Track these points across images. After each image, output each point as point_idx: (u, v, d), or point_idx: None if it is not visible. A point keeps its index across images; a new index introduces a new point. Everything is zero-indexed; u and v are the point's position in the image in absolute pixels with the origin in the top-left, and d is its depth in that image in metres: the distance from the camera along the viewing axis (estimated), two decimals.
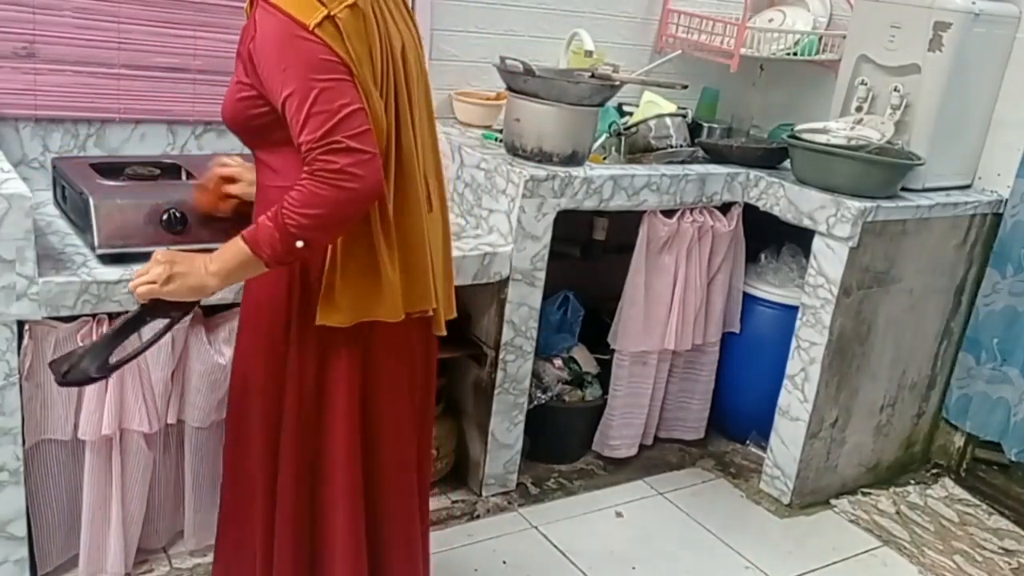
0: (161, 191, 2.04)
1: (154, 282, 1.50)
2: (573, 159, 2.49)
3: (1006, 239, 2.89)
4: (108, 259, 1.91)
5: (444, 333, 1.76)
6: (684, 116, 2.90)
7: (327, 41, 1.44)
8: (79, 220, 2.01)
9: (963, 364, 3.03)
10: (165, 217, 1.96)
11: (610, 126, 2.79)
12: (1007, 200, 2.89)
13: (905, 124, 2.79)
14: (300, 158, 1.46)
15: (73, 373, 1.55)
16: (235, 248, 1.50)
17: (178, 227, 1.97)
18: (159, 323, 1.57)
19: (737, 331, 2.97)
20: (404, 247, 1.61)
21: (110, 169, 2.12)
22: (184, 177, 2.14)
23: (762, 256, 3.00)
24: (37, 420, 1.90)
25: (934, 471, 3.16)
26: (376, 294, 1.58)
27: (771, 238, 2.99)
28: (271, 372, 1.65)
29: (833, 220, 2.59)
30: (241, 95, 1.55)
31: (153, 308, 1.53)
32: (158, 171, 2.16)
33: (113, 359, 1.55)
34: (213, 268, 1.51)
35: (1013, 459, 2.93)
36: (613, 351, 2.79)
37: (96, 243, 1.90)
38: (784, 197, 2.72)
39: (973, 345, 3.00)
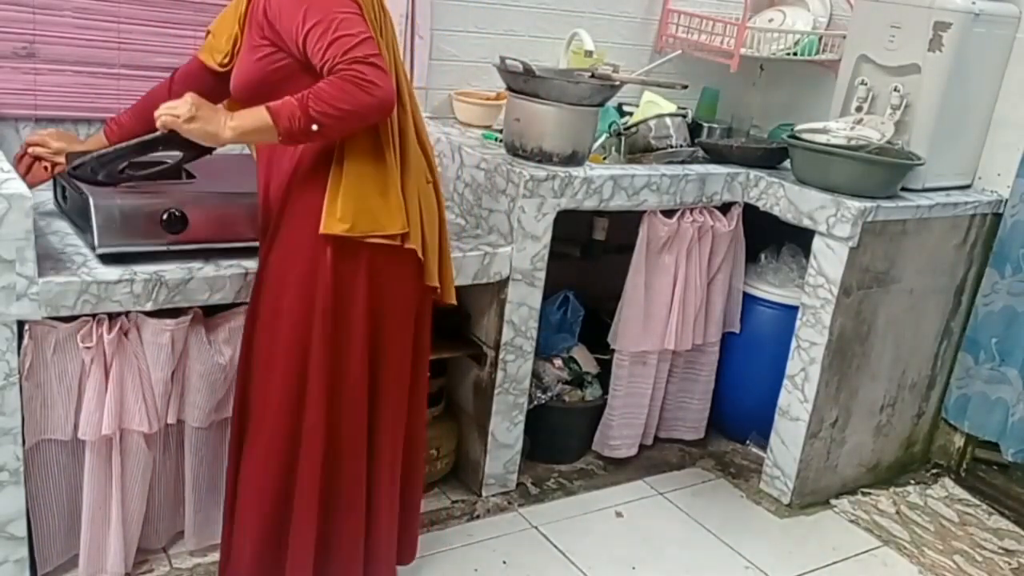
0: (161, 191, 2.04)
1: (178, 116, 1.70)
2: (573, 159, 2.49)
3: (1005, 239, 2.89)
4: (108, 259, 1.91)
5: (454, 302, 2.04)
6: (684, 116, 2.90)
7: None
8: (79, 220, 2.01)
9: (962, 364, 3.04)
10: (165, 217, 1.95)
11: (610, 126, 2.79)
12: (1007, 200, 2.89)
13: (905, 124, 2.79)
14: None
15: (82, 169, 1.82)
16: (257, 113, 1.68)
17: (178, 227, 1.97)
18: (173, 155, 1.84)
19: (737, 331, 2.97)
20: (406, 185, 1.84)
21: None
22: (184, 176, 2.13)
23: (762, 256, 3.00)
24: (37, 420, 1.90)
25: (934, 471, 3.16)
26: (383, 210, 1.79)
27: (771, 238, 2.99)
28: (303, 305, 1.84)
29: (833, 220, 2.59)
30: (259, 55, 1.77)
31: (169, 139, 1.75)
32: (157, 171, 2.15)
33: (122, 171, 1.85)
34: (232, 124, 1.71)
35: (1010, 459, 2.92)
36: (613, 351, 2.79)
37: (96, 243, 1.90)
38: (784, 197, 2.72)
39: (972, 345, 3.00)
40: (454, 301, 2.04)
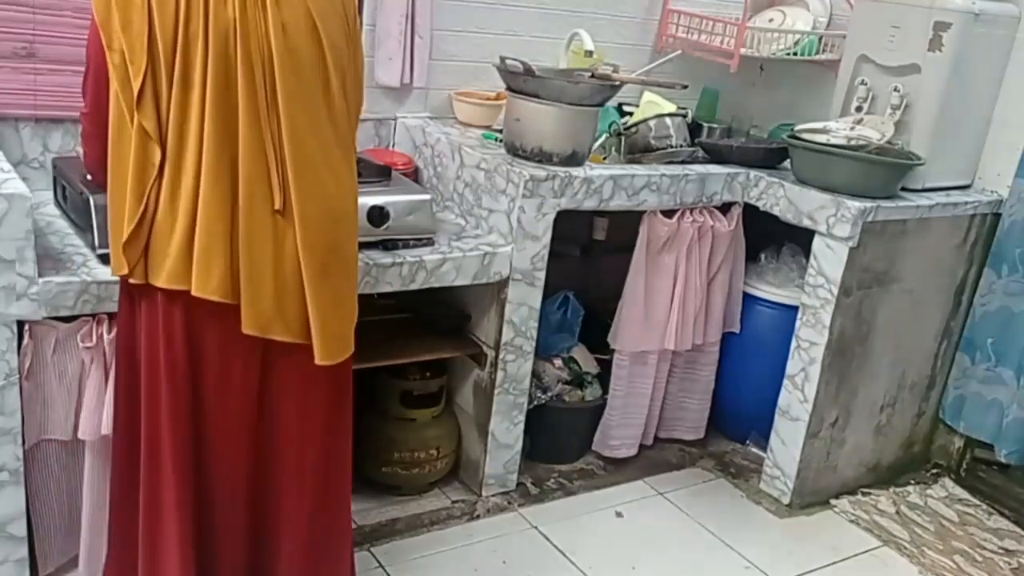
0: None
1: None
2: (573, 159, 2.49)
3: (1003, 239, 2.89)
4: (108, 259, 1.91)
5: (327, 360, 1.63)
6: (684, 116, 2.90)
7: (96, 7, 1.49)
8: (79, 220, 2.01)
9: (959, 365, 3.03)
10: None
11: (610, 126, 2.79)
12: (1006, 200, 2.89)
13: (905, 124, 2.79)
14: None
15: None
16: None
17: None
18: None
19: (737, 331, 2.97)
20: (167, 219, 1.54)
21: None
22: None
23: (762, 256, 3.00)
24: (37, 420, 1.90)
25: (934, 471, 3.16)
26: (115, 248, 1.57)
27: (771, 238, 2.99)
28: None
29: (833, 220, 2.59)
30: None
31: None
32: None
33: None
34: None
35: (1004, 460, 2.92)
36: (613, 351, 2.79)
37: (96, 243, 1.90)
38: (784, 197, 2.72)
39: (968, 345, 3.00)
40: (329, 360, 1.63)
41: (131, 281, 1.59)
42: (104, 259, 1.90)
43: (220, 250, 1.54)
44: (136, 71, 1.49)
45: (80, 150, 1.75)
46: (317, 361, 1.62)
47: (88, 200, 1.92)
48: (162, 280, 1.56)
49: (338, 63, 1.60)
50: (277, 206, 1.55)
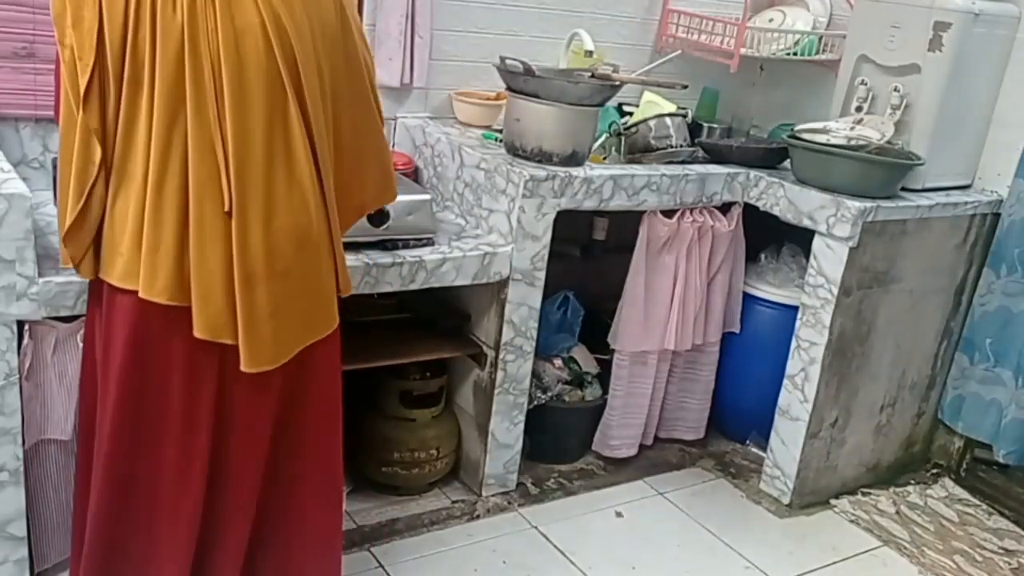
0: None
1: None
2: (573, 159, 2.49)
3: (1002, 239, 2.89)
4: None
5: (252, 368, 1.57)
6: (684, 116, 2.90)
7: None
8: None
9: (958, 365, 3.03)
10: None
11: (610, 126, 2.79)
12: (1006, 200, 2.89)
13: (905, 124, 2.79)
14: None
15: None
16: None
17: None
18: None
19: (737, 331, 2.97)
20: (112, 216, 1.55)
21: None
22: None
23: (762, 256, 3.00)
24: (37, 420, 1.90)
25: (934, 471, 3.16)
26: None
27: (771, 238, 2.99)
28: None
29: (833, 220, 2.59)
30: None
31: None
32: None
33: None
34: None
35: (1002, 460, 2.91)
36: (613, 351, 2.79)
37: None
38: (784, 197, 2.72)
39: (968, 346, 3.00)
40: (253, 367, 1.57)
41: (80, 275, 1.60)
42: None
43: (168, 251, 1.52)
44: (84, 68, 1.48)
45: None
46: (241, 367, 1.56)
47: None
48: (114, 277, 1.56)
49: (311, 71, 1.56)
50: (227, 208, 1.52)
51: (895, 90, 2.78)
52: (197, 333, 1.54)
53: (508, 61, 2.41)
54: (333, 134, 1.65)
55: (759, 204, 2.80)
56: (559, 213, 2.46)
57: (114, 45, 1.48)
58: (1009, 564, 2.71)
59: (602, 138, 2.76)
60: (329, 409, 1.79)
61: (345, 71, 1.65)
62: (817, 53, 3.07)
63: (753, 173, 2.80)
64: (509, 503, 2.65)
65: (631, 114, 2.93)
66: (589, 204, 2.51)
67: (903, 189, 2.74)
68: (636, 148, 2.77)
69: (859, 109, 2.87)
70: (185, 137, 1.51)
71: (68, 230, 1.55)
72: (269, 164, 1.55)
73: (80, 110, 1.49)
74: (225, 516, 1.72)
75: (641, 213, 2.64)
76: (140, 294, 1.53)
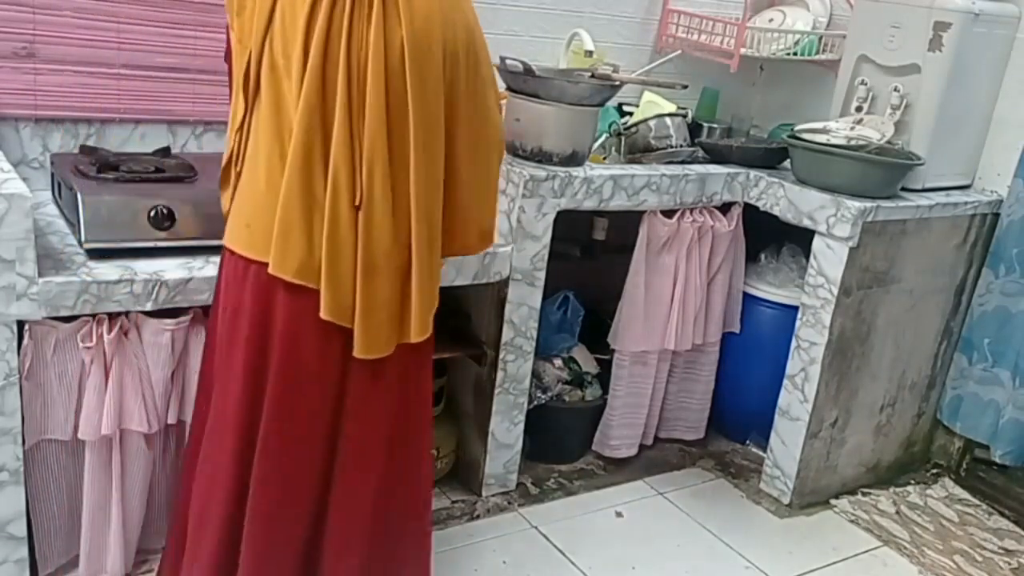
0: (150, 188, 2.05)
1: None
2: (573, 159, 2.49)
3: (1001, 239, 2.89)
4: (95, 254, 1.93)
5: (365, 355, 1.65)
6: (684, 116, 2.90)
7: None
8: (71, 216, 2.02)
9: (957, 365, 3.03)
10: (152, 213, 1.97)
11: (610, 126, 2.79)
12: (1005, 200, 2.89)
13: (905, 124, 2.79)
14: None
15: None
16: None
17: (166, 223, 1.98)
18: None
19: (737, 331, 2.97)
20: (252, 193, 1.64)
21: (108, 165, 2.12)
22: (187, 174, 2.15)
23: (762, 256, 3.00)
24: (37, 420, 1.90)
25: (934, 471, 3.16)
26: (234, 227, 1.67)
27: (771, 238, 2.99)
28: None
29: (833, 220, 2.59)
30: None
31: None
32: (153, 168, 2.16)
33: None
34: None
35: (999, 460, 2.91)
36: (613, 351, 2.79)
37: (83, 238, 1.92)
38: (784, 197, 2.72)
39: (966, 346, 3.00)
40: (367, 353, 1.65)
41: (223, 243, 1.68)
42: (91, 253, 1.93)
43: (301, 233, 1.59)
44: (242, 51, 1.62)
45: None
46: (355, 353, 1.64)
47: (76, 195, 1.93)
48: (240, 247, 1.64)
49: (434, 91, 1.65)
50: (357, 202, 1.61)
51: (895, 90, 2.78)
52: (324, 314, 1.61)
53: (508, 61, 2.41)
54: (446, 157, 1.72)
55: (759, 204, 2.80)
56: (559, 213, 2.46)
57: (272, 32, 1.58)
58: (1009, 564, 2.71)
59: (602, 138, 2.76)
60: (426, 414, 1.87)
61: (466, 96, 1.72)
62: (817, 53, 3.07)
63: (753, 173, 2.80)
64: (509, 503, 2.65)
65: (631, 114, 2.93)
66: (589, 204, 2.51)
67: (903, 189, 2.74)
68: (636, 148, 2.77)
69: (859, 109, 2.87)
70: (326, 131, 1.58)
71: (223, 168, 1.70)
72: (391, 166, 1.63)
73: (239, 91, 1.62)
74: (337, 505, 1.75)
75: (641, 213, 2.64)
76: (270, 269, 1.59)
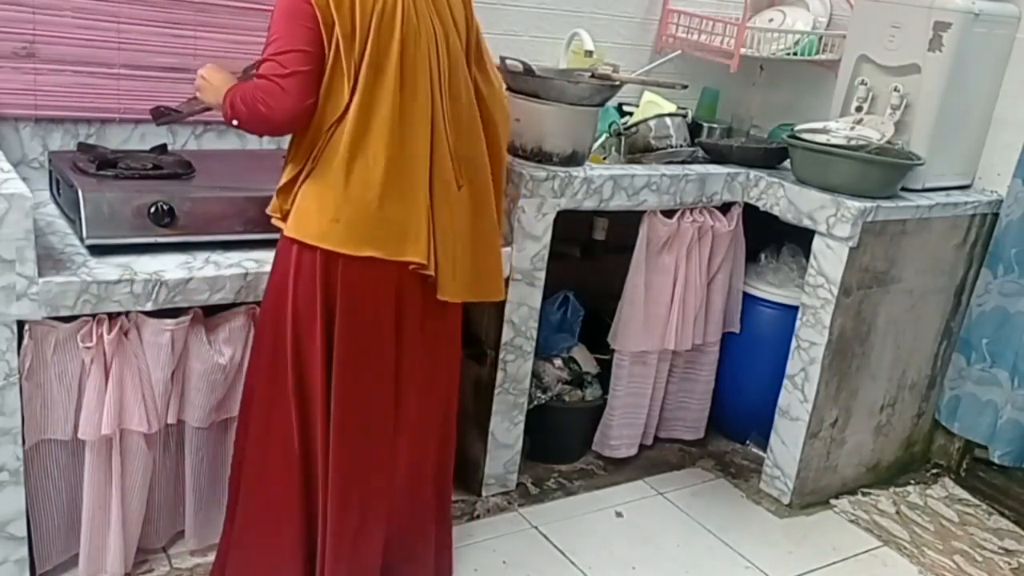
0: (150, 184, 2.05)
1: (197, 86, 1.96)
2: (573, 159, 2.49)
3: (1000, 239, 2.88)
4: (96, 250, 1.93)
5: (453, 299, 1.93)
6: (684, 116, 2.90)
7: None
8: (71, 213, 2.03)
9: (955, 365, 3.03)
10: (153, 209, 1.97)
11: (610, 126, 2.79)
12: (1004, 200, 2.89)
13: (905, 124, 2.79)
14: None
15: (163, 117, 2.15)
16: (224, 91, 1.84)
17: (165, 220, 1.99)
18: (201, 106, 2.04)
19: (737, 331, 2.97)
20: (362, 184, 1.77)
21: (106, 162, 2.12)
22: (187, 171, 2.15)
23: (762, 256, 3.00)
24: (37, 420, 1.90)
25: (934, 471, 3.16)
26: (314, 215, 1.78)
27: (771, 238, 2.99)
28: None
29: (833, 220, 2.59)
30: None
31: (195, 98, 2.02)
32: (151, 165, 2.16)
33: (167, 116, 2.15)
34: (211, 97, 1.92)
35: (997, 460, 2.90)
36: (613, 351, 2.79)
37: (84, 234, 1.92)
38: (784, 197, 2.72)
39: (965, 346, 2.99)
40: (494, 296, 2.07)
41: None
42: (92, 250, 1.94)
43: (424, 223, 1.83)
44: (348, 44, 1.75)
45: None
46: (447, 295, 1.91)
47: (77, 192, 1.94)
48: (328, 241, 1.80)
49: (462, 79, 1.92)
50: (459, 185, 1.90)
51: (895, 90, 2.78)
52: (441, 293, 1.89)
53: (508, 61, 2.41)
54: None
55: (759, 204, 2.80)
56: (559, 213, 2.46)
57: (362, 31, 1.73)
58: (1009, 564, 2.71)
59: (602, 138, 2.76)
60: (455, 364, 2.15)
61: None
62: (817, 53, 3.07)
63: (753, 173, 2.80)
64: (509, 503, 2.65)
65: (631, 114, 2.93)
66: (589, 204, 2.51)
67: (903, 189, 2.74)
68: (636, 148, 2.77)
69: (859, 109, 2.87)
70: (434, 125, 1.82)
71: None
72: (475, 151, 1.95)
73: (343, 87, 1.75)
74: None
75: (641, 213, 2.64)
76: (408, 258, 1.81)
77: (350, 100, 1.73)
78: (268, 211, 1.89)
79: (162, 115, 2.14)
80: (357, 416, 1.87)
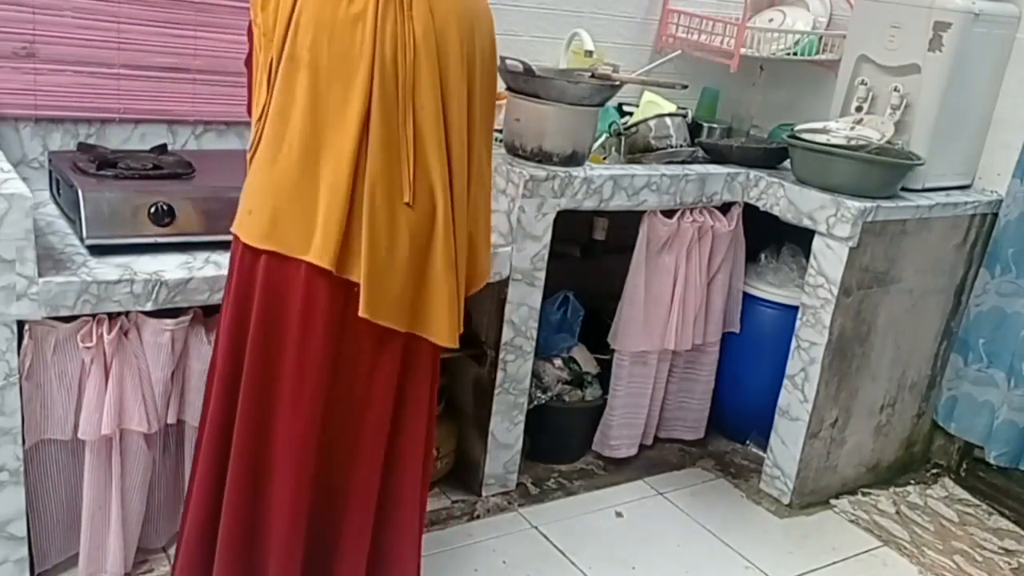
0: (150, 184, 2.05)
1: None
2: (573, 159, 2.49)
3: (998, 239, 2.88)
4: (96, 250, 1.94)
5: (446, 343, 1.76)
6: (684, 116, 2.90)
7: None
8: (71, 212, 2.03)
9: (953, 365, 3.02)
10: (153, 209, 1.97)
11: (610, 126, 2.79)
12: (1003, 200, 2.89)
13: (905, 124, 2.79)
14: None
15: None
16: None
17: (166, 219, 1.99)
18: None
19: (737, 331, 2.97)
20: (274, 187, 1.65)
21: (106, 162, 2.12)
22: (186, 171, 2.15)
23: (762, 256, 3.00)
24: (37, 420, 1.90)
25: (934, 471, 3.16)
26: (241, 213, 1.69)
27: (771, 238, 2.99)
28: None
29: (833, 220, 2.59)
30: None
31: None
32: (151, 165, 2.16)
33: None
34: None
35: (993, 461, 2.90)
36: (613, 351, 2.79)
37: (84, 234, 1.92)
38: (784, 197, 2.72)
39: (962, 346, 2.99)
40: (446, 342, 1.77)
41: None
42: (92, 250, 1.94)
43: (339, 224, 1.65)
44: (267, 45, 1.68)
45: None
46: (444, 343, 1.76)
47: (78, 192, 1.94)
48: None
49: (457, 92, 1.71)
50: (407, 200, 1.68)
51: (895, 90, 2.78)
52: (365, 311, 1.66)
53: (508, 61, 2.41)
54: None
55: (759, 204, 2.80)
56: (559, 213, 2.46)
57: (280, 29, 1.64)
58: (1009, 564, 2.71)
59: (602, 138, 2.76)
60: (428, 409, 1.88)
61: (480, 105, 1.77)
62: (817, 53, 3.07)
63: (753, 173, 2.80)
64: (509, 503, 2.65)
65: (631, 114, 2.93)
66: (589, 204, 2.51)
67: (903, 189, 2.74)
68: (636, 148, 2.77)
69: (859, 109, 2.87)
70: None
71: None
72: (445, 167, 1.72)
73: (262, 84, 1.67)
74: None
75: (641, 213, 2.64)
76: (311, 258, 1.63)
77: (268, 94, 1.68)
78: None
79: None
80: (261, 429, 1.73)
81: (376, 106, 1.63)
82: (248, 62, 1.76)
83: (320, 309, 1.66)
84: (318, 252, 1.62)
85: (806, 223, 2.67)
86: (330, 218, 1.62)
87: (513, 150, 2.49)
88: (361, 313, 1.64)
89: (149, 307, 1.90)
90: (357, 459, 1.78)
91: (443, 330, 1.76)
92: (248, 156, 1.71)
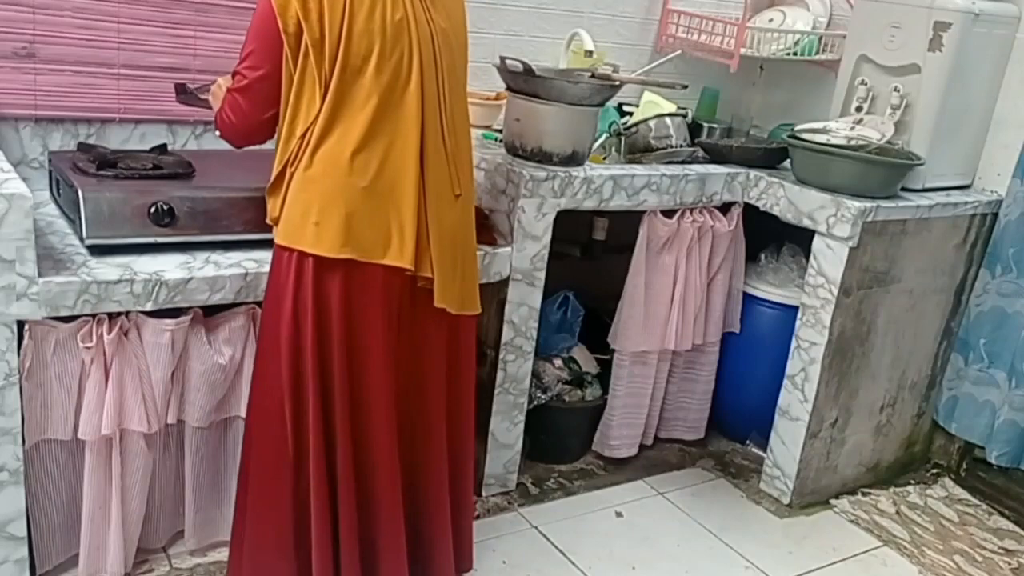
0: (150, 184, 2.05)
1: (212, 91, 2.00)
2: (573, 159, 2.49)
3: (998, 239, 2.88)
4: (96, 250, 1.94)
5: (450, 309, 1.87)
6: (684, 116, 2.90)
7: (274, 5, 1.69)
8: (71, 213, 2.03)
9: (953, 365, 3.02)
10: (153, 210, 1.97)
11: (610, 126, 2.79)
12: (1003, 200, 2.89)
13: (905, 124, 2.79)
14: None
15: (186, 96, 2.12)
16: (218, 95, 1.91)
17: (166, 219, 1.99)
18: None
19: (737, 331, 2.97)
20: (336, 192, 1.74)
21: (106, 162, 2.12)
22: (186, 171, 2.15)
23: (762, 256, 3.00)
24: (37, 420, 1.90)
25: (934, 471, 3.16)
26: (300, 226, 1.75)
27: (771, 238, 2.99)
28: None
29: (833, 220, 2.59)
30: None
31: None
32: (151, 165, 2.16)
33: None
34: (215, 104, 1.93)
35: (994, 461, 2.90)
36: (613, 351, 2.79)
37: (84, 234, 1.92)
38: (784, 197, 2.72)
39: (963, 346, 2.99)
40: (473, 310, 1.97)
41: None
42: (92, 250, 1.94)
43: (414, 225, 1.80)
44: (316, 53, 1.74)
45: None
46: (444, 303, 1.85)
47: (78, 192, 1.94)
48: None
49: (459, 79, 1.89)
50: (457, 192, 1.87)
51: (895, 90, 2.78)
52: (439, 301, 1.84)
53: (508, 61, 2.41)
54: None
55: (759, 204, 2.80)
56: (559, 213, 2.46)
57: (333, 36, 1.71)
58: (1009, 564, 2.71)
59: (602, 138, 2.76)
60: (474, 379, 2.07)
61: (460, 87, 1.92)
62: (817, 53, 3.07)
63: (753, 173, 2.80)
64: (509, 503, 2.65)
65: (631, 114, 2.93)
66: (589, 204, 2.51)
67: (903, 189, 2.74)
68: (636, 148, 2.77)
69: (859, 109, 2.87)
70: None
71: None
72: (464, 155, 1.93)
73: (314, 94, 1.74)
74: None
75: (641, 213, 2.64)
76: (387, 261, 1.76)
77: (321, 105, 1.71)
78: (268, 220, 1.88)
79: (181, 91, 2.12)
80: (358, 426, 1.84)
81: (426, 106, 1.76)
82: (255, 84, 1.78)
83: (396, 306, 1.81)
84: (397, 254, 1.75)
85: (806, 223, 2.67)
86: (406, 221, 1.75)
87: (513, 150, 2.49)
88: (437, 304, 1.82)
89: (149, 307, 1.90)
90: (430, 435, 1.96)
91: (477, 302, 1.97)
92: (288, 170, 1.76)
